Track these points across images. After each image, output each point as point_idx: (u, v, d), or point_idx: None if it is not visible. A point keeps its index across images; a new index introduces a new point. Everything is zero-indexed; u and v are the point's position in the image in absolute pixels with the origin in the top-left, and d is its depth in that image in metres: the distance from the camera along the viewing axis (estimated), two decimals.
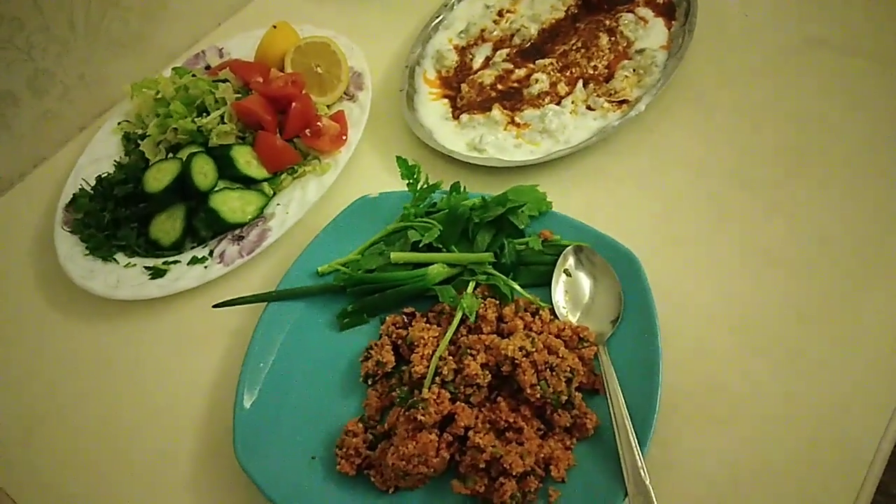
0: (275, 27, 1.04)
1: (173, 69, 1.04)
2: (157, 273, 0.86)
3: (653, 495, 0.60)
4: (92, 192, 0.94)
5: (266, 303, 0.79)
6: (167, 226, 0.89)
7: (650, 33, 0.99)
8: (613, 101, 0.93)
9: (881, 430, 0.64)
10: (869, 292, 0.72)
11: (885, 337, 0.69)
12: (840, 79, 0.89)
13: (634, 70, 0.95)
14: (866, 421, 0.65)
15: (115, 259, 0.89)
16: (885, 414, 0.65)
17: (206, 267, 0.86)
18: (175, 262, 0.87)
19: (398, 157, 0.82)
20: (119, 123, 1.03)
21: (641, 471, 0.61)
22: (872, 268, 0.73)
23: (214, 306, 0.81)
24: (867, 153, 0.81)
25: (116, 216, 0.91)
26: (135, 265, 0.88)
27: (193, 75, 1.01)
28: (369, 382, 0.74)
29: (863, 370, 0.68)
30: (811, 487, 0.63)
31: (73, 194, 0.95)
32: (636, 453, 0.62)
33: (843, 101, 0.87)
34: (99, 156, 1.00)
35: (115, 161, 0.99)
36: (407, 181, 0.82)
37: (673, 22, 0.99)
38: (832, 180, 0.80)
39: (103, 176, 0.96)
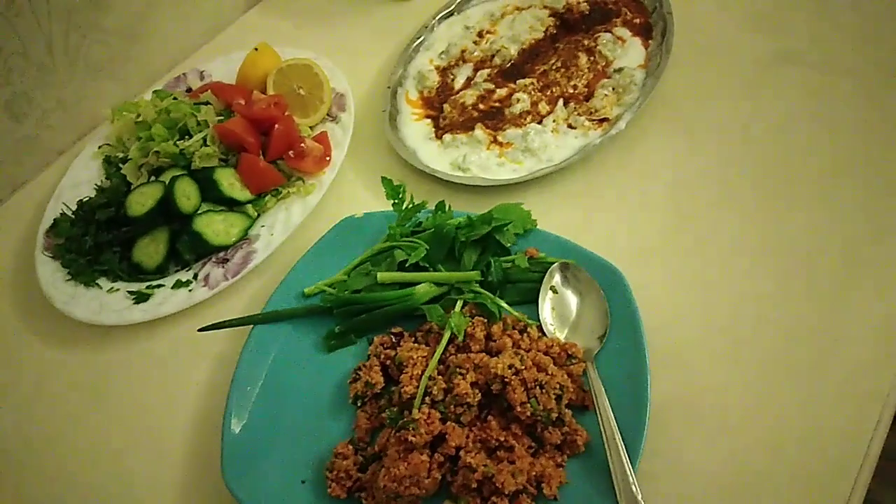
0: (256, 49, 1.04)
1: (154, 92, 1.04)
2: (140, 298, 0.85)
3: None
4: (73, 216, 0.93)
5: (252, 325, 0.79)
6: (150, 249, 0.88)
7: (628, 52, 1.00)
8: (594, 120, 0.94)
9: (868, 437, 0.65)
10: (849, 302, 0.73)
11: (867, 345, 0.70)
12: (814, 94, 0.91)
13: (614, 89, 0.97)
14: (852, 428, 0.66)
15: (97, 284, 0.87)
16: (871, 421, 0.66)
17: (190, 290, 0.85)
18: (159, 286, 0.86)
19: (383, 178, 0.82)
20: (99, 147, 1.02)
21: (633, 486, 0.62)
22: (852, 277, 0.75)
23: (200, 330, 0.80)
24: (842, 166, 0.83)
25: (98, 241, 0.90)
26: (118, 290, 0.87)
27: (175, 98, 1.01)
28: (358, 404, 0.74)
29: (847, 378, 0.69)
30: (800, 496, 0.63)
31: (54, 219, 0.94)
32: (627, 469, 0.63)
33: (817, 116, 0.89)
34: (79, 180, 0.99)
35: (95, 185, 0.98)
36: (392, 201, 0.82)
37: (650, 41, 1.01)
38: (809, 192, 0.82)
39: (84, 200, 0.95)
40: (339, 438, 0.72)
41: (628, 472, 0.62)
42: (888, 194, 0.79)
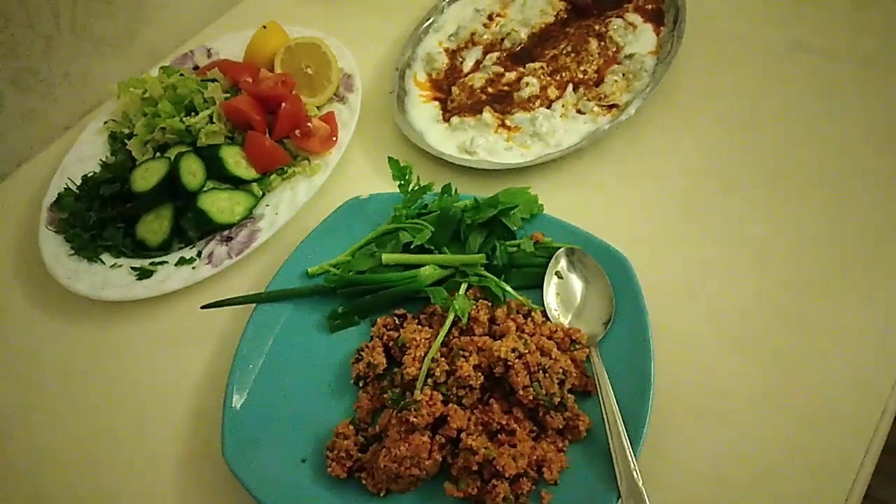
0: (265, 27, 1.03)
1: (161, 68, 1.03)
2: (143, 274, 0.85)
3: (645, 497, 0.60)
4: (78, 191, 0.93)
5: (255, 304, 0.79)
6: (154, 226, 0.88)
7: (639, 39, 0.99)
8: (603, 105, 0.93)
9: (871, 430, 0.65)
10: (854, 293, 0.73)
11: (872, 337, 0.70)
12: (824, 83, 0.90)
13: (624, 75, 0.96)
14: (855, 421, 0.66)
15: (100, 259, 0.87)
16: (875, 413, 0.66)
17: (193, 268, 0.85)
18: (162, 262, 0.86)
19: (390, 158, 0.82)
20: (105, 122, 1.02)
21: (634, 472, 0.61)
22: (860, 269, 0.74)
23: (203, 307, 0.80)
24: (851, 156, 0.82)
25: (102, 216, 0.90)
26: (121, 266, 0.87)
27: (181, 75, 1.00)
28: (360, 384, 0.74)
29: (851, 370, 0.68)
30: (801, 487, 0.63)
31: (59, 193, 0.94)
32: (629, 455, 0.62)
33: (827, 105, 0.88)
34: (84, 155, 0.99)
35: (100, 161, 0.98)
36: (398, 182, 0.82)
37: (662, 28, 0.99)
38: (817, 182, 0.81)
39: (89, 175, 0.94)
40: (340, 419, 0.71)
41: (629, 459, 0.62)
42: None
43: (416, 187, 0.82)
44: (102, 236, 0.89)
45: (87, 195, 0.92)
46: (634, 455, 0.62)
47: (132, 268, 0.86)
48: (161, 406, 0.78)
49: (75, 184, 0.94)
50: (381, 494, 0.66)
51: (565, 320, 0.74)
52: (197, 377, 0.79)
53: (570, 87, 0.97)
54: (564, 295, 0.76)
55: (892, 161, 0.81)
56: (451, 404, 0.67)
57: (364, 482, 0.67)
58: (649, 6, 1.03)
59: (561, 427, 0.67)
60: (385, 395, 0.71)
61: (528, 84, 0.97)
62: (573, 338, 0.71)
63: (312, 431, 0.71)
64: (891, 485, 1.16)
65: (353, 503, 0.67)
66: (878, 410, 0.66)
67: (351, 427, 0.70)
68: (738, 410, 0.68)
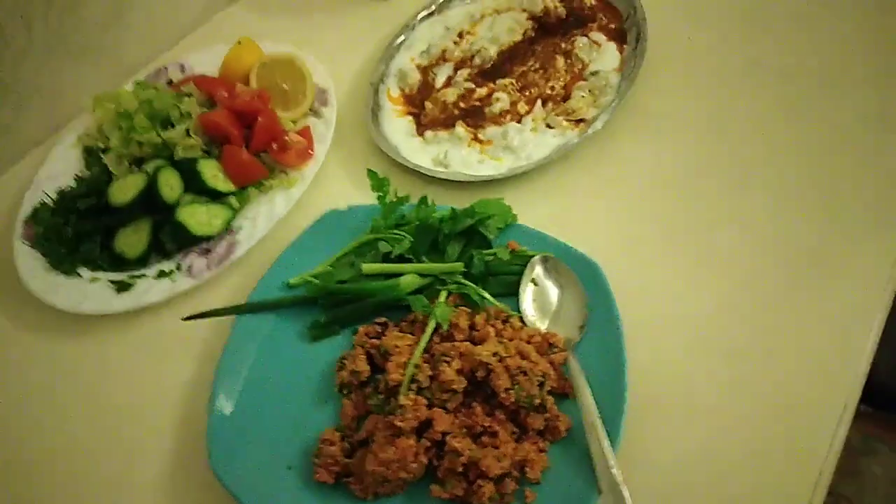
0: (240, 43, 1.05)
1: (136, 83, 1.03)
2: (122, 287, 0.85)
3: (625, 492, 0.62)
4: (54, 205, 0.93)
5: (237, 315, 0.79)
6: (133, 239, 0.88)
7: (603, 56, 1.03)
8: (571, 120, 0.97)
9: (833, 425, 0.68)
10: (815, 292, 0.76)
11: (835, 337, 0.74)
12: (784, 98, 0.95)
13: (590, 91, 0.99)
14: (821, 414, 0.69)
15: (78, 273, 0.87)
16: (836, 411, 0.69)
17: (173, 280, 0.85)
18: (141, 275, 0.86)
19: (369, 171, 0.84)
20: (79, 137, 1.02)
21: (613, 469, 0.64)
22: (818, 269, 0.78)
23: (185, 319, 0.81)
24: (809, 165, 0.87)
25: (79, 230, 0.90)
26: (99, 279, 0.87)
27: (155, 89, 1.00)
28: (344, 392, 0.75)
29: (816, 366, 0.72)
30: (772, 478, 0.66)
31: (34, 207, 0.93)
32: (607, 451, 0.65)
33: (783, 117, 0.93)
34: (58, 171, 0.98)
35: (75, 175, 0.97)
36: (377, 194, 0.84)
37: (625, 46, 1.04)
38: (776, 188, 0.86)
39: (65, 189, 0.94)
40: (325, 426, 0.73)
41: (608, 455, 0.65)
42: (860, 195, 0.83)
43: (395, 199, 0.84)
44: (79, 250, 0.89)
45: (64, 209, 0.91)
46: (613, 451, 0.65)
47: (111, 281, 0.86)
48: (144, 416, 0.78)
49: (51, 198, 0.94)
50: (369, 498, 0.68)
51: (542, 325, 0.77)
52: (180, 388, 0.79)
53: (539, 102, 1.00)
54: (540, 301, 0.79)
55: (842, 167, 0.86)
56: (435, 408, 0.69)
57: (352, 487, 0.68)
58: (612, 25, 1.07)
59: (542, 428, 0.69)
60: (370, 402, 0.72)
61: (498, 99, 1.01)
62: (550, 342, 0.74)
63: (298, 439, 0.72)
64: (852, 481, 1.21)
65: None
66: (840, 407, 0.69)
67: (336, 433, 0.71)
68: (708, 407, 0.71)
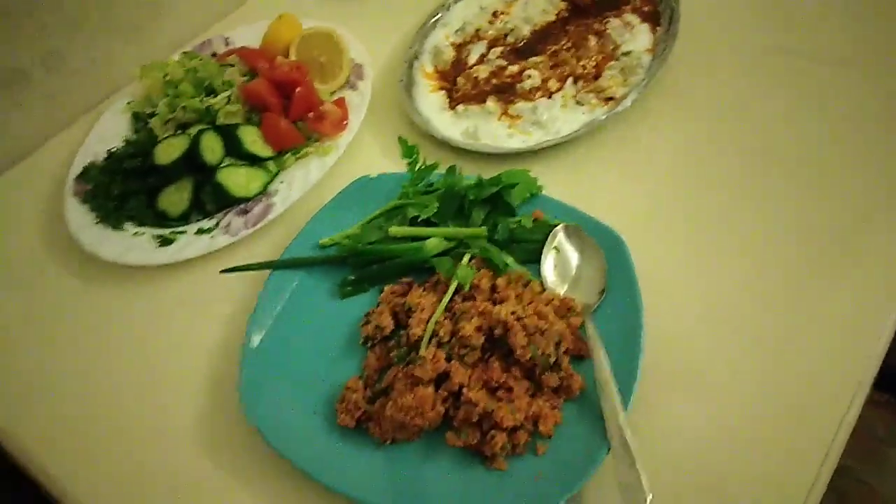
0: (280, 17, 1.09)
1: (182, 53, 1.08)
2: (165, 241, 0.90)
3: (634, 450, 0.64)
4: (103, 164, 0.98)
5: (270, 271, 0.84)
6: (175, 198, 0.93)
7: (636, 37, 1.05)
8: (601, 98, 0.99)
9: (845, 406, 0.69)
10: (836, 278, 0.77)
11: (850, 320, 0.74)
12: (809, 82, 0.96)
13: (621, 70, 1.01)
14: (833, 394, 0.70)
15: (123, 228, 0.92)
16: (849, 391, 0.70)
17: (212, 237, 0.90)
18: (182, 231, 0.91)
19: (399, 138, 0.87)
20: (128, 103, 1.07)
21: (623, 427, 0.65)
22: (837, 256, 0.79)
23: (222, 272, 0.85)
24: (838, 151, 0.88)
25: (126, 188, 0.95)
26: (143, 234, 0.92)
27: (201, 59, 1.05)
28: (369, 345, 0.78)
29: (831, 347, 0.73)
30: (776, 457, 0.67)
31: (84, 166, 0.99)
32: (619, 410, 0.67)
33: (812, 103, 0.94)
34: (108, 133, 1.04)
35: (124, 138, 1.03)
36: (407, 161, 0.87)
37: (657, 27, 1.05)
38: (801, 175, 0.87)
39: (113, 150, 1.00)
40: (350, 376, 0.76)
41: (619, 412, 0.67)
42: (880, 180, 0.84)
43: (423, 167, 0.87)
44: (125, 206, 0.94)
45: (112, 168, 0.97)
46: (624, 410, 0.67)
47: (154, 235, 0.91)
48: (181, 361, 0.83)
49: (100, 158, 0.99)
50: (387, 443, 0.71)
51: (561, 290, 0.79)
52: (215, 335, 0.84)
53: (570, 80, 1.02)
54: (561, 268, 0.81)
55: (879, 159, 0.86)
56: (453, 361, 0.72)
57: (371, 431, 0.72)
58: (646, 7, 1.09)
59: (556, 386, 0.71)
60: (392, 354, 0.75)
61: (529, 77, 1.03)
62: (569, 306, 0.76)
63: (324, 387, 0.76)
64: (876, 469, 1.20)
65: (360, 450, 0.71)
66: (853, 386, 0.70)
67: (360, 382, 0.75)
68: (720, 382, 0.72)
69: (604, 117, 0.95)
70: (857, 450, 1.14)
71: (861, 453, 1.15)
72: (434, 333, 0.74)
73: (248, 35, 1.16)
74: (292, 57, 1.06)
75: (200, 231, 0.91)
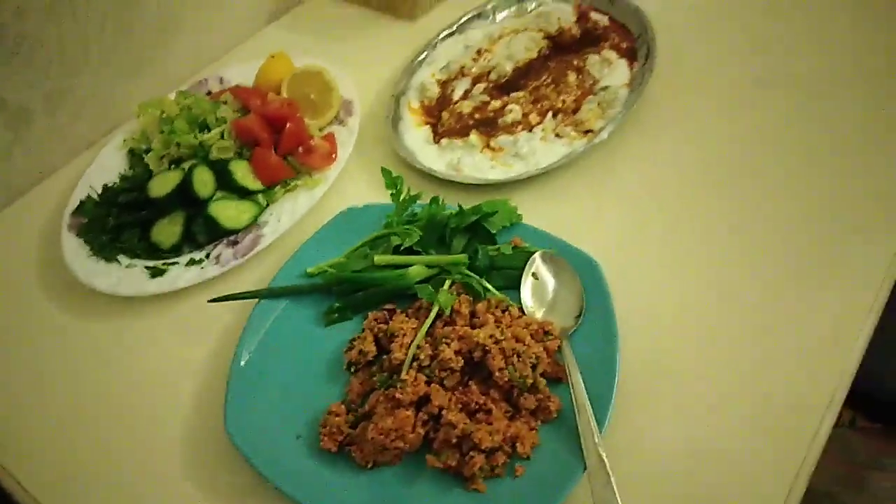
0: (273, 56, 1.13)
1: (178, 92, 1.12)
2: (156, 272, 0.93)
3: (609, 469, 0.65)
4: (98, 199, 1.02)
5: (258, 299, 0.86)
6: (168, 230, 0.96)
7: (614, 73, 1.09)
8: (579, 131, 1.03)
9: (817, 421, 0.71)
10: (809, 300, 0.80)
11: (825, 337, 0.77)
12: (780, 113, 1.00)
13: (599, 104, 1.05)
14: (806, 409, 0.72)
15: (117, 260, 0.95)
16: (822, 404, 0.72)
17: (202, 268, 0.93)
18: (174, 263, 0.94)
19: (383, 169, 0.90)
20: (124, 140, 1.11)
21: (599, 448, 0.67)
22: (814, 277, 0.82)
23: (210, 301, 0.87)
24: (811, 175, 0.91)
25: (120, 221, 0.98)
26: (135, 266, 0.94)
27: (195, 97, 1.09)
28: (352, 370, 0.81)
29: (805, 364, 0.75)
30: (753, 466, 0.69)
31: (80, 200, 1.02)
32: (594, 430, 0.68)
33: (782, 133, 0.97)
34: (105, 168, 1.07)
35: (119, 173, 1.07)
36: (391, 191, 0.90)
37: (635, 63, 1.09)
38: (774, 199, 0.90)
39: (109, 185, 1.03)
40: (333, 401, 0.78)
41: (595, 434, 0.68)
42: (855, 202, 0.87)
43: (407, 197, 0.90)
44: (119, 239, 0.97)
45: (107, 202, 1.00)
46: (600, 432, 0.69)
47: (146, 267, 0.94)
48: (170, 386, 0.85)
49: (96, 192, 1.03)
50: (369, 466, 0.73)
51: (539, 315, 0.82)
52: (204, 362, 0.86)
53: (550, 114, 1.06)
54: (539, 293, 0.84)
55: (840, 170, 0.91)
56: (433, 384, 0.74)
57: (353, 455, 0.73)
58: (624, 44, 1.13)
59: (533, 408, 0.73)
60: (374, 378, 0.78)
61: (511, 111, 1.07)
62: (546, 329, 0.78)
63: (308, 412, 0.78)
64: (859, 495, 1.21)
65: (343, 474, 0.73)
66: (826, 399, 0.72)
67: (342, 407, 0.77)
68: (696, 400, 0.74)
69: (582, 149, 0.98)
70: (841, 477, 1.15)
71: (843, 480, 1.16)
72: (415, 357, 0.76)
73: (242, 73, 1.20)
74: (284, 94, 1.10)
75: (191, 262, 0.94)
